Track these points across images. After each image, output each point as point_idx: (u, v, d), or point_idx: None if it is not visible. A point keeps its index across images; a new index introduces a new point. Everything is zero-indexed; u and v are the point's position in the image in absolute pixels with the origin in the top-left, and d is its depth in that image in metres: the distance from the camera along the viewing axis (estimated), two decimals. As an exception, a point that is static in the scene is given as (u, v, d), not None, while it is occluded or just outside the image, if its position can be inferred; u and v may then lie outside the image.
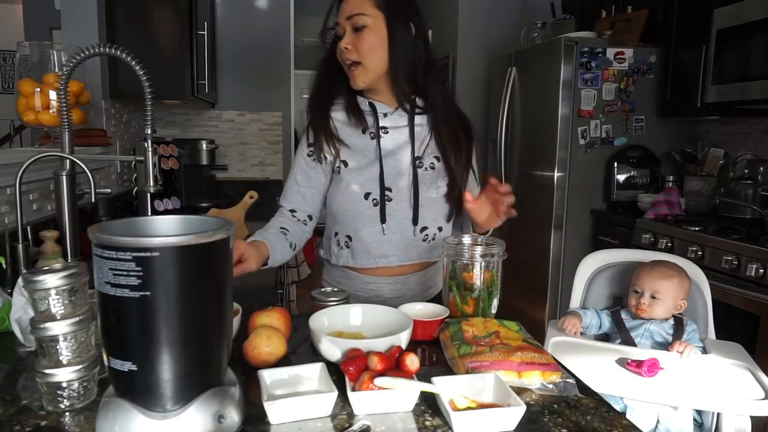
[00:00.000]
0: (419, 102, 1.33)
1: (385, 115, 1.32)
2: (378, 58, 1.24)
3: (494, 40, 4.00)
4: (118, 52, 1.29)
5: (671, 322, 1.57)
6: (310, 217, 1.40)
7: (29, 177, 1.60)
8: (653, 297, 1.55)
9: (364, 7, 1.22)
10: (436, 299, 1.32)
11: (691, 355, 1.44)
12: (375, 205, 1.31)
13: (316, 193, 1.38)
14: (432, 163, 1.33)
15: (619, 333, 1.58)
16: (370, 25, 1.22)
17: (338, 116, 1.35)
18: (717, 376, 1.36)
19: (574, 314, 1.62)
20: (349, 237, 1.35)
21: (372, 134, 1.32)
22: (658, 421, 1.40)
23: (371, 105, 1.32)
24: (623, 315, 1.62)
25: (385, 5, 1.23)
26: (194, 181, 2.98)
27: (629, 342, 1.54)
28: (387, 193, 1.31)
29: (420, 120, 1.33)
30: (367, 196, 1.31)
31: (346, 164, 1.32)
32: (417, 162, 1.32)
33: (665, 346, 1.51)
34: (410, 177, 1.31)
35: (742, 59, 2.38)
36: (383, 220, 1.31)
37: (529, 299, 3.27)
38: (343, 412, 0.79)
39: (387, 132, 1.32)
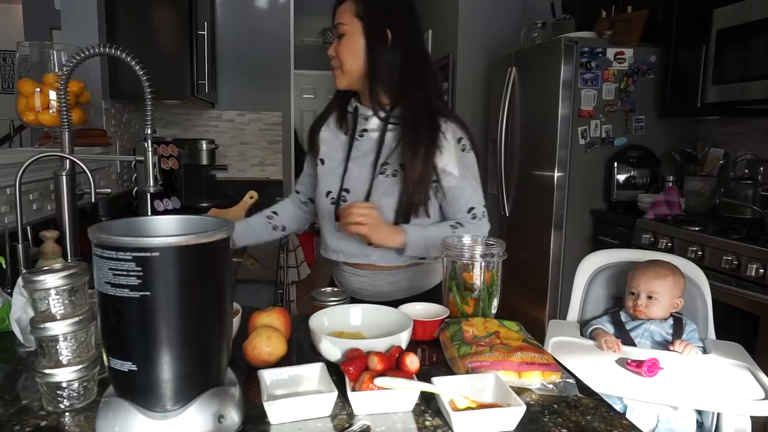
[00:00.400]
0: (397, 110, 1.35)
1: (366, 118, 1.38)
2: (353, 63, 1.32)
3: (494, 40, 4.00)
4: (118, 52, 1.29)
5: (670, 321, 1.57)
6: (312, 200, 1.55)
7: (29, 177, 1.60)
8: (649, 297, 1.55)
9: (345, 16, 1.32)
10: (424, 297, 1.36)
11: (691, 354, 1.44)
12: (332, 203, 1.40)
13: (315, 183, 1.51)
14: (395, 170, 1.33)
15: (618, 334, 1.58)
16: (348, 33, 1.32)
17: (331, 118, 1.46)
18: (717, 376, 1.36)
19: (601, 330, 1.57)
20: (319, 230, 1.49)
21: (350, 136, 1.40)
22: (658, 421, 1.40)
23: (355, 108, 1.40)
24: (622, 316, 1.62)
25: (363, 14, 1.31)
26: (194, 181, 2.99)
27: (629, 342, 1.54)
28: (344, 194, 1.38)
29: (392, 128, 1.36)
30: (328, 194, 1.41)
31: (323, 162, 1.44)
32: (381, 168, 1.34)
33: (665, 346, 1.51)
34: (369, 182, 1.35)
35: (742, 59, 2.38)
36: (336, 218, 1.38)
37: (529, 299, 3.27)
38: (343, 412, 0.79)
39: (363, 135, 1.39)
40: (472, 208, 1.33)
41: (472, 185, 1.35)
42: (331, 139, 1.44)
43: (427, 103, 1.33)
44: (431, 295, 1.40)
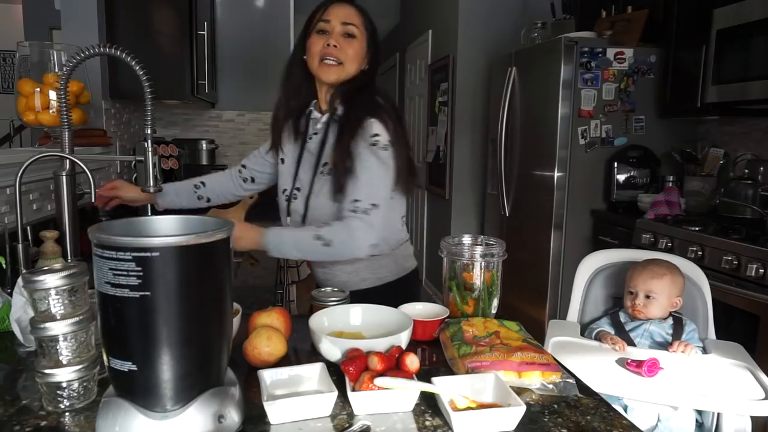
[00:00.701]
0: (340, 112, 1.39)
1: (317, 122, 1.44)
2: (352, 67, 1.37)
3: (494, 40, 4.00)
4: (118, 52, 1.29)
5: (670, 321, 1.57)
6: (253, 180, 1.65)
7: (29, 177, 1.60)
8: (647, 297, 1.55)
9: (357, 20, 1.37)
10: (388, 288, 1.45)
11: (691, 354, 1.44)
12: (286, 200, 1.49)
13: (264, 165, 1.62)
14: (330, 169, 1.36)
15: (618, 335, 1.58)
16: (358, 37, 1.37)
17: (289, 120, 1.50)
18: (717, 376, 1.36)
19: (605, 332, 1.57)
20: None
21: (302, 139, 1.45)
22: (658, 421, 1.40)
23: (309, 111, 1.46)
24: (621, 316, 1.62)
25: (369, 28, 1.39)
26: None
27: (629, 342, 1.54)
28: (296, 192, 1.46)
29: (332, 129, 1.39)
30: (284, 191, 1.50)
31: (283, 161, 1.51)
32: (321, 167, 1.39)
33: (664, 346, 1.51)
34: (310, 181, 1.41)
35: (742, 59, 2.38)
36: (288, 214, 1.48)
37: (529, 299, 3.27)
38: (343, 412, 0.79)
39: (312, 138, 1.43)
40: (357, 200, 1.29)
41: (367, 179, 1.30)
42: (288, 140, 1.49)
43: (363, 105, 1.37)
44: (396, 287, 1.47)
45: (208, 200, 1.65)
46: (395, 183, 1.36)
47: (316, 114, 1.44)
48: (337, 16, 1.34)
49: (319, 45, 1.35)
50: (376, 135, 1.31)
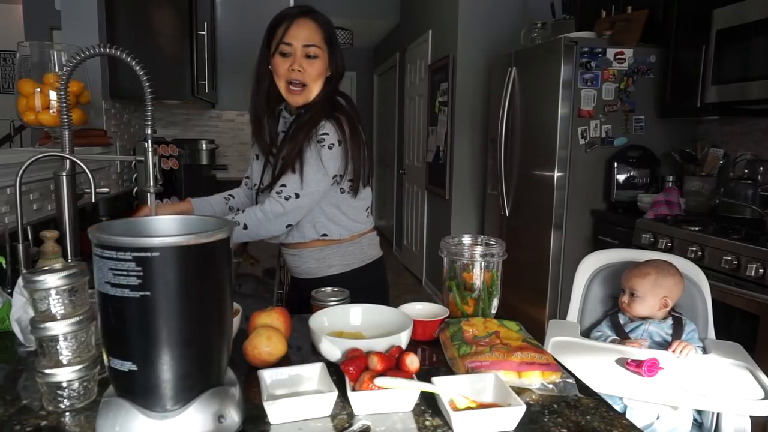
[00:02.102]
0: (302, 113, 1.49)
1: (285, 122, 1.53)
2: (315, 86, 1.46)
3: (494, 40, 4.00)
4: (118, 52, 1.29)
5: (670, 322, 1.57)
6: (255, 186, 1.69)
7: (29, 177, 1.60)
8: (632, 295, 1.58)
9: (317, 39, 1.43)
10: (358, 273, 1.54)
11: (690, 354, 1.44)
12: (255, 193, 1.59)
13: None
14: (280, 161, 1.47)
15: (618, 335, 1.58)
16: (320, 56, 1.44)
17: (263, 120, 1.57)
18: (717, 376, 1.36)
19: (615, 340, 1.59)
20: None
21: (273, 135, 1.54)
22: (657, 419, 1.40)
23: (279, 111, 1.55)
24: (621, 318, 1.62)
25: (329, 42, 1.46)
26: (194, 181, 2.98)
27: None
28: (262, 185, 1.55)
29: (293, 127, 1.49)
30: (254, 186, 1.61)
31: (257, 157, 1.61)
32: (278, 160, 1.47)
33: (664, 346, 1.51)
34: (271, 173, 1.49)
35: (742, 59, 2.38)
36: (256, 203, 1.56)
37: (529, 299, 3.27)
38: (343, 412, 0.79)
39: (279, 135, 1.54)
40: (283, 186, 1.41)
41: (300, 170, 1.41)
42: (261, 138, 1.57)
43: (322, 109, 1.45)
44: (365, 272, 1.56)
45: (238, 210, 1.66)
46: (352, 178, 1.48)
47: (285, 114, 1.55)
48: (298, 38, 1.41)
49: (283, 67, 1.43)
50: (325, 134, 1.42)
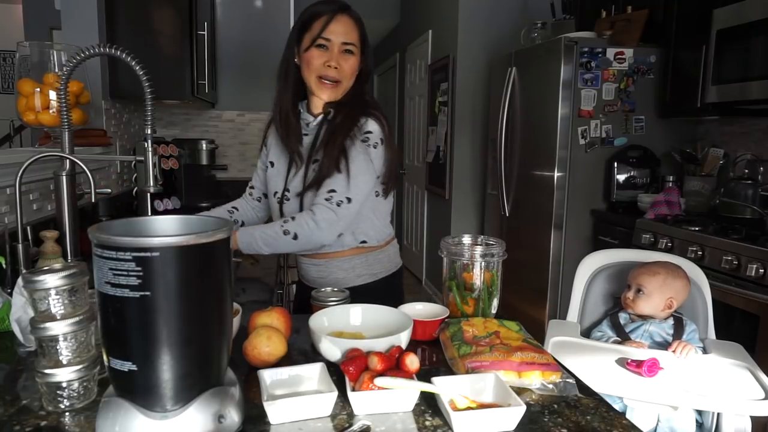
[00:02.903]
0: (331, 114, 1.42)
1: (308, 124, 1.45)
2: (349, 83, 1.41)
3: (494, 40, 4.00)
4: (118, 52, 1.29)
5: (671, 322, 1.57)
6: (266, 196, 1.60)
7: (29, 177, 1.60)
8: (638, 291, 1.57)
9: (354, 36, 1.39)
10: (383, 284, 1.48)
11: (690, 354, 1.44)
12: (278, 202, 1.49)
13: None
14: (316, 159, 1.39)
15: (618, 336, 1.58)
16: (355, 54, 1.40)
17: (274, 124, 1.50)
18: (717, 376, 1.36)
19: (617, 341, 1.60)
20: None
21: (293, 139, 1.45)
22: (658, 421, 1.40)
23: (298, 113, 1.46)
24: (621, 318, 1.62)
25: (363, 40, 1.42)
26: (194, 181, 2.98)
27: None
28: (287, 193, 1.46)
29: (324, 128, 1.42)
30: (275, 194, 1.50)
31: (272, 164, 1.52)
32: (312, 162, 1.41)
33: (665, 346, 1.51)
34: (302, 179, 1.42)
35: (742, 59, 2.38)
36: (281, 215, 1.47)
37: (529, 299, 3.27)
38: (343, 412, 0.79)
39: (302, 139, 1.46)
40: (333, 191, 1.33)
41: (348, 173, 1.34)
42: (277, 144, 1.50)
43: (356, 106, 1.40)
44: (391, 282, 1.51)
45: (242, 224, 1.60)
46: (384, 181, 1.42)
47: (306, 116, 1.46)
48: (338, 34, 1.36)
49: (318, 61, 1.37)
50: (369, 132, 1.36)
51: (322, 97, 1.41)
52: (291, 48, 1.43)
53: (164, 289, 0.64)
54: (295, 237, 1.31)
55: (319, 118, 1.43)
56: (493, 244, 1.18)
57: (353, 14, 1.41)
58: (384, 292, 1.40)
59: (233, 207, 1.61)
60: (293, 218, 1.33)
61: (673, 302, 1.56)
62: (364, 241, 1.44)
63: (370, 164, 1.35)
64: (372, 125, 1.37)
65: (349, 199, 1.33)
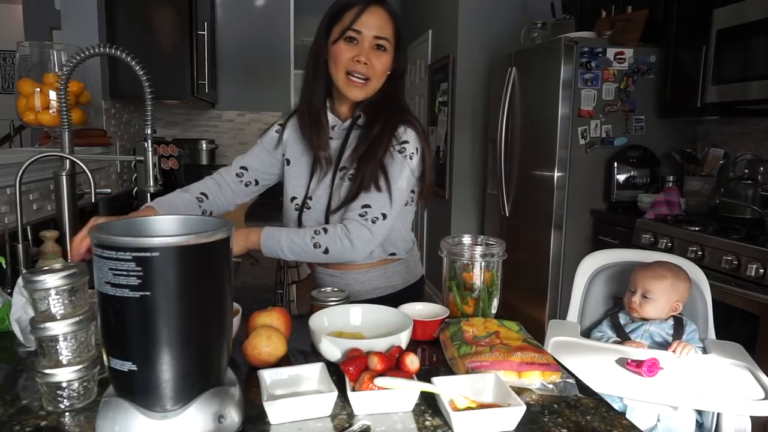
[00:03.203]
0: (361, 119, 1.33)
1: (333, 127, 1.36)
2: (379, 82, 1.31)
3: (494, 40, 4.00)
4: (118, 52, 1.29)
5: (671, 322, 1.57)
6: (257, 182, 1.46)
7: (29, 177, 1.60)
8: (644, 296, 1.56)
9: (388, 31, 1.28)
10: (400, 296, 1.39)
11: (690, 354, 1.44)
12: (296, 209, 1.38)
13: (273, 164, 1.44)
14: (352, 174, 1.30)
15: (618, 336, 1.58)
16: (388, 51, 1.29)
17: (294, 121, 1.40)
18: (717, 376, 1.36)
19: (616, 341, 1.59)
20: None
21: (316, 141, 1.34)
22: (658, 421, 1.40)
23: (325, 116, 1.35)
24: (621, 318, 1.62)
25: (398, 36, 1.31)
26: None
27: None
28: (308, 201, 1.36)
29: (354, 133, 1.33)
30: (293, 199, 1.39)
31: (288, 162, 1.41)
32: (339, 173, 1.32)
33: (665, 346, 1.51)
34: (329, 188, 1.33)
35: (742, 59, 2.38)
36: (299, 225, 1.37)
37: (529, 299, 3.27)
38: (343, 412, 0.79)
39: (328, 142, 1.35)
40: (367, 206, 1.25)
41: (388, 186, 1.26)
42: (297, 142, 1.40)
43: (392, 113, 1.31)
44: (408, 294, 1.41)
45: (210, 214, 1.42)
46: (417, 190, 1.35)
47: (332, 118, 1.36)
48: (370, 27, 1.26)
49: (347, 55, 1.26)
50: (405, 142, 1.28)
51: (349, 95, 1.30)
52: (320, 40, 1.31)
53: (164, 289, 0.64)
54: (326, 251, 1.24)
55: (348, 121, 1.34)
56: (493, 244, 1.18)
57: (389, 7, 1.30)
58: (398, 304, 1.27)
59: (202, 194, 1.41)
60: (325, 231, 1.24)
61: (678, 305, 1.56)
62: (393, 253, 1.39)
63: (406, 177, 1.28)
64: (409, 134, 1.29)
65: (384, 216, 1.25)
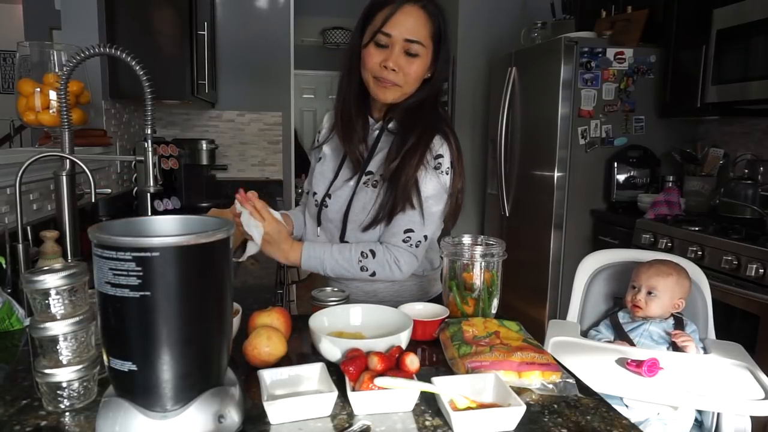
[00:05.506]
0: (392, 124, 1.28)
1: (366, 129, 1.31)
2: (412, 87, 1.24)
3: (494, 40, 4.00)
4: (118, 52, 1.29)
5: (671, 322, 1.57)
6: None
7: (29, 177, 1.60)
8: (649, 293, 1.55)
9: (423, 33, 1.19)
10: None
11: (690, 349, 1.44)
12: (316, 205, 1.36)
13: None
14: (376, 181, 1.26)
15: (617, 336, 1.58)
16: (422, 56, 1.20)
17: (333, 116, 1.37)
18: (717, 376, 1.36)
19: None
20: None
21: (349, 141, 1.29)
22: (657, 419, 1.40)
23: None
24: (621, 318, 1.62)
25: (437, 38, 1.22)
26: (194, 181, 2.99)
27: (629, 343, 1.54)
28: (327, 199, 1.33)
29: (384, 139, 1.28)
30: (314, 194, 1.37)
31: (320, 160, 1.39)
32: (365, 177, 1.27)
33: (665, 346, 1.51)
34: (351, 191, 1.28)
35: (742, 59, 2.38)
36: (318, 223, 1.36)
37: (529, 299, 3.27)
38: (343, 412, 0.79)
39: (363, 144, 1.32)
40: (410, 231, 1.22)
41: (424, 208, 1.22)
42: (332, 140, 1.37)
43: (428, 123, 1.25)
44: None
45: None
46: (451, 210, 1.29)
47: (365, 119, 1.31)
48: (401, 30, 1.17)
49: (374, 61, 1.20)
50: (440, 156, 1.22)
51: (379, 98, 1.24)
52: (354, 41, 1.24)
53: (164, 289, 0.64)
54: (373, 275, 1.22)
55: (379, 123, 1.29)
56: (493, 244, 1.17)
57: (429, 6, 1.19)
58: None
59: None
60: (373, 254, 1.22)
61: (681, 303, 1.56)
62: (425, 269, 1.35)
63: (442, 194, 1.23)
64: (444, 148, 1.22)
65: (425, 237, 1.24)
